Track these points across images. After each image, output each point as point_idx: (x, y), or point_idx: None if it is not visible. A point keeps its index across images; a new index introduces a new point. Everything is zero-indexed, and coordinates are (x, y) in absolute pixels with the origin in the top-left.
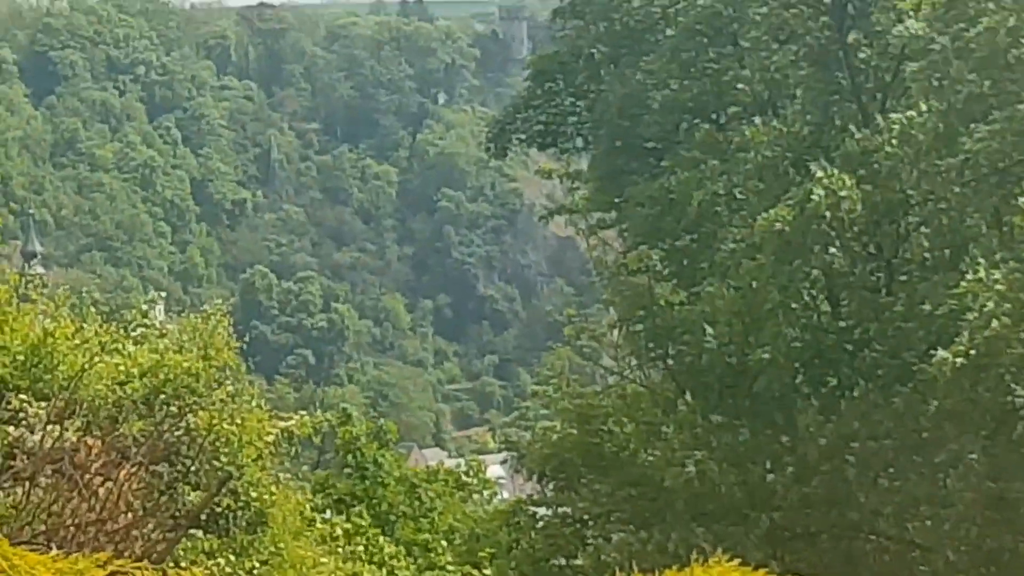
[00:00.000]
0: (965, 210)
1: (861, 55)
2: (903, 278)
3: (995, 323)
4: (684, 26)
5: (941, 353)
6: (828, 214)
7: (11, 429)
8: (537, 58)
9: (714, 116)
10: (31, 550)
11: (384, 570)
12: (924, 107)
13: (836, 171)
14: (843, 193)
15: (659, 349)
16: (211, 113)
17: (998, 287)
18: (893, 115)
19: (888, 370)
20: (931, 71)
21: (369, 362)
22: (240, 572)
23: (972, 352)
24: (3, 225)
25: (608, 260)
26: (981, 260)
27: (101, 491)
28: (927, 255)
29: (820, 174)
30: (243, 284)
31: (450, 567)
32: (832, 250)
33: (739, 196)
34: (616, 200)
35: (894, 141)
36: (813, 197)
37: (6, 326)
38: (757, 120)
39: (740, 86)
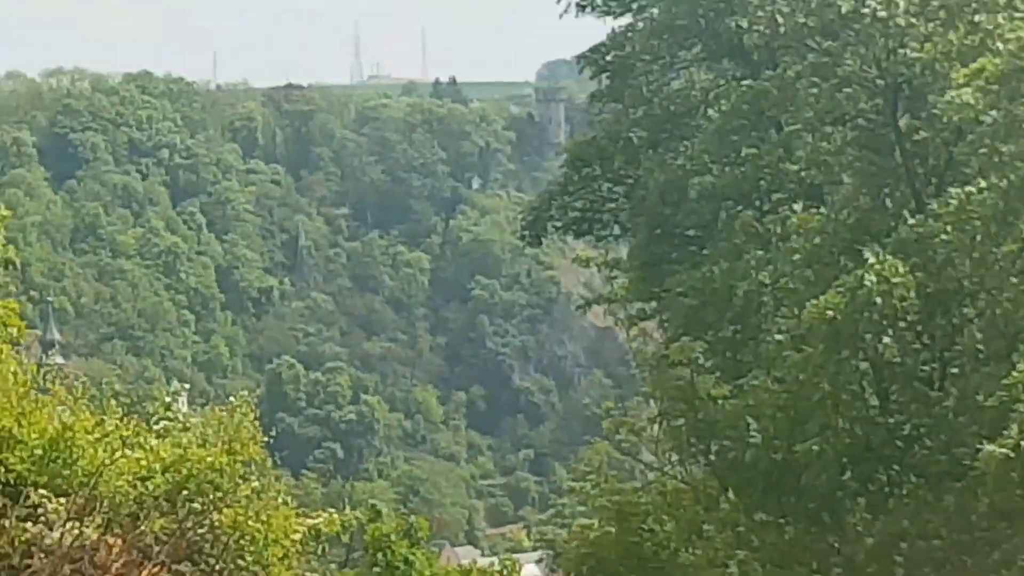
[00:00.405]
0: (1020, 300)
1: (915, 138)
2: (955, 370)
3: None
4: (727, 109)
5: (988, 447)
6: (880, 301)
7: (29, 526)
8: (574, 143)
9: (757, 203)
10: None
11: None
12: (983, 183)
13: (889, 257)
14: (896, 280)
15: (701, 444)
16: (237, 198)
17: None
18: (952, 189)
19: (939, 466)
20: (985, 145)
21: (399, 456)
22: None
23: (1022, 444)
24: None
25: (648, 352)
26: None
27: None
28: (980, 347)
29: (872, 260)
30: (269, 375)
31: None
32: (885, 340)
33: (786, 286)
34: (656, 290)
35: (949, 228)
36: (865, 283)
37: (24, 419)
38: (798, 206)
39: (785, 170)
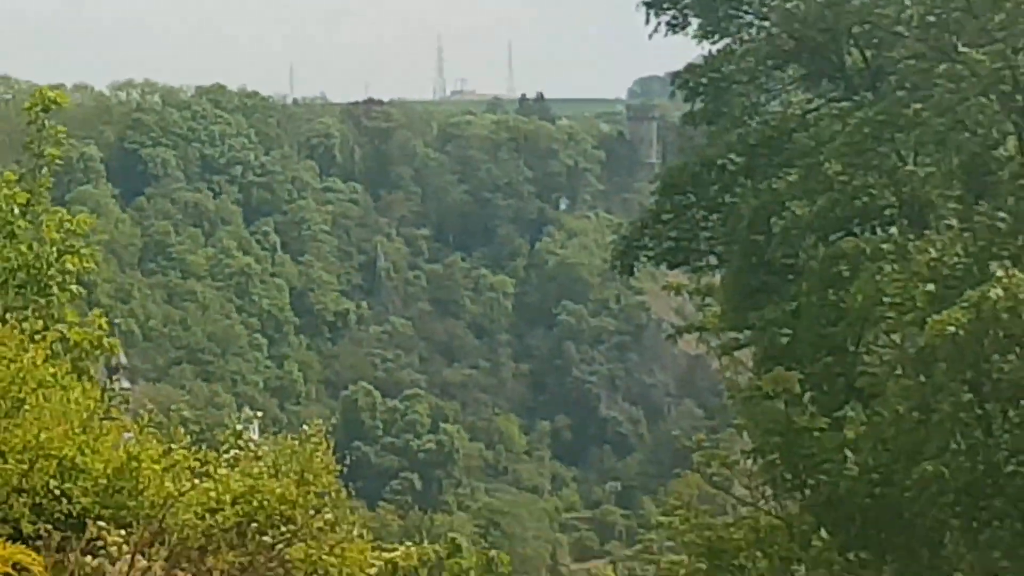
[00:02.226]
0: None
1: None
2: None
3: None
4: (849, 133)
5: None
6: (1006, 317)
7: (90, 559)
8: (667, 170)
9: (854, 230)
10: None
11: None
12: None
13: (1017, 272)
14: (1023, 294)
15: (795, 479)
16: (313, 217)
17: None
18: None
19: None
20: None
21: (480, 487)
22: None
23: None
24: (97, 343)
25: (741, 382)
26: None
27: None
28: None
29: (1000, 274)
30: (345, 402)
31: None
32: (1010, 358)
33: (906, 302)
34: (750, 318)
35: None
36: (990, 297)
37: (87, 448)
38: (893, 230)
39: (882, 195)
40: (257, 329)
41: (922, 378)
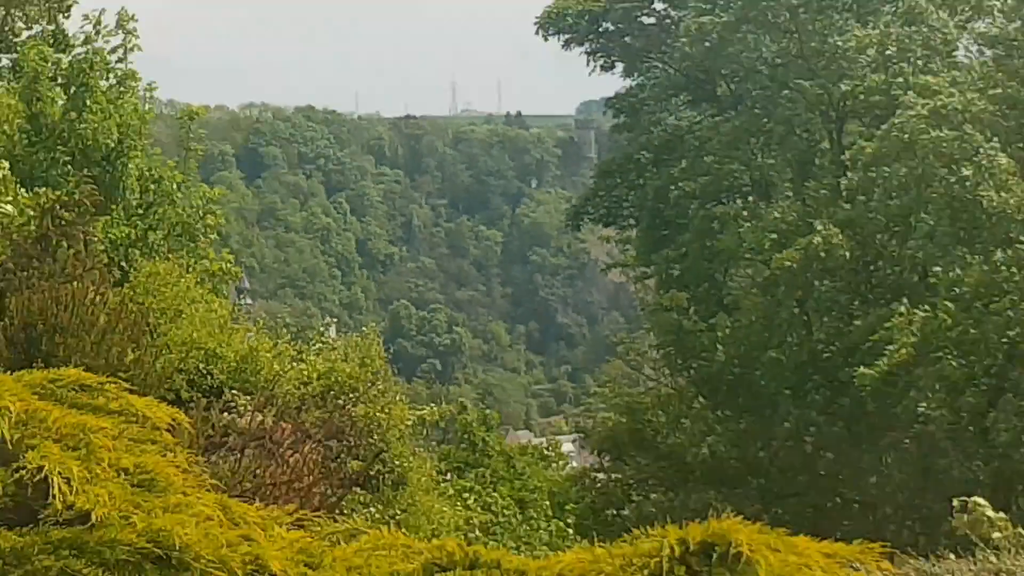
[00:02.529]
0: (910, 262)
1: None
2: (859, 314)
3: (904, 351)
4: (707, 142)
5: (864, 370)
6: (824, 255)
7: (226, 415)
8: (602, 163)
9: (725, 200)
10: (242, 502)
11: (491, 513)
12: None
13: (832, 227)
14: (835, 242)
15: (684, 363)
16: (370, 192)
17: (913, 327)
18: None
19: (844, 375)
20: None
21: (479, 369)
22: (387, 518)
23: (887, 371)
24: (229, 271)
25: (648, 300)
26: (904, 306)
27: (291, 460)
28: (884, 296)
29: (820, 228)
30: (391, 313)
31: (541, 520)
32: (826, 282)
33: (760, 246)
34: (654, 259)
35: (872, 213)
36: (814, 243)
37: (224, 342)
38: (749, 200)
39: (741, 179)
40: (334, 265)
41: (767, 297)
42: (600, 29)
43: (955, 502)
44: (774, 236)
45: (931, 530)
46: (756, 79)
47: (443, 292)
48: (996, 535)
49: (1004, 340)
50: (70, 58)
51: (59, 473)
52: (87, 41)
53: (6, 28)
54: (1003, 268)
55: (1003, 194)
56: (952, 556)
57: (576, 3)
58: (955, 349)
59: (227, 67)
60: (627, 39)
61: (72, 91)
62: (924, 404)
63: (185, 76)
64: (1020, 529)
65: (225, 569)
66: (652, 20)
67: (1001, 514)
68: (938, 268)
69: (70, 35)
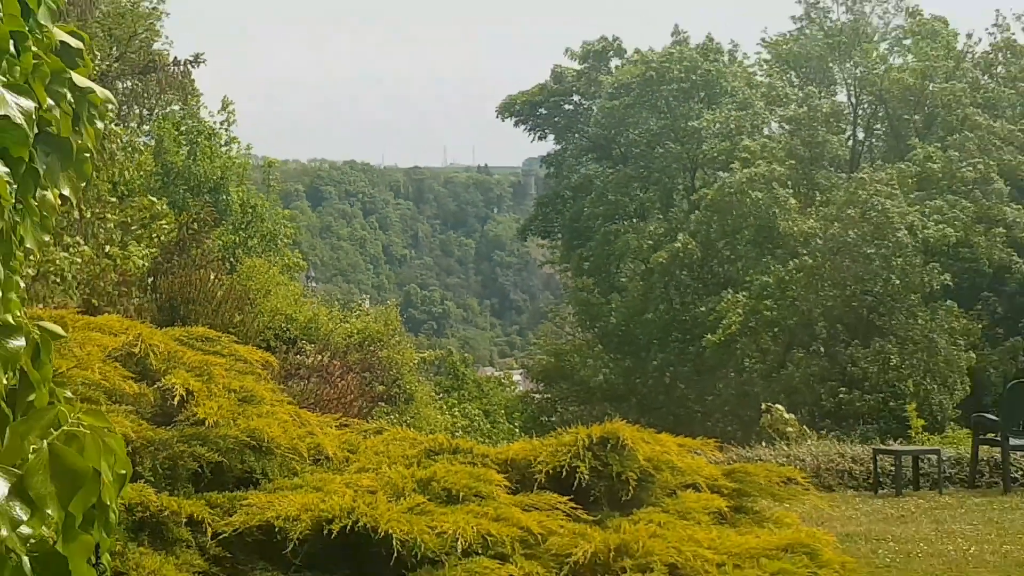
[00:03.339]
0: (733, 260)
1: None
2: (703, 296)
3: (733, 326)
4: (615, 180)
5: (708, 337)
6: (683, 255)
7: (298, 357)
8: (539, 197)
9: (619, 220)
10: (307, 412)
11: (467, 419)
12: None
13: (688, 236)
14: (690, 246)
15: (591, 323)
16: (391, 215)
17: (740, 304)
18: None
19: (700, 331)
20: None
21: (460, 328)
22: (400, 422)
23: (722, 339)
24: (300, 264)
25: (568, 285)
26: (730, 293)
27: (339, 385)
28: (718, 287)
29: (681, 237)
30: (404, 293)
31: (499, 424)
32: (684, 273)
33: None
34: (572, 257)
35: (715, 217)
36: (677, 245)
37: (297, 310)
38: (635, 220)
39: (627, 206)
40: (368, 262)
41: (645, 282)
42: (537, 113)
43: (763, 407)
44: (650, 243)
45: (747, 429)
46: (640, 143)
47: (438, 279)
48: (789, 430)
49: (794, 318)
50: (188, 124)
51: (188, 390)
52: (191, 116)
53: (147, 105)
54: (792, 271)
55: (791, 223)
56: (761, 444)
57: (521, 96)
58: (765, 325)
59: (299, 128)
60: (555, 119)
61: (189, 148)
62: (746, 360)
63: (275, 134)
64: (804, 428)
65: (296, 453)
66: (571, 107)
67: (792, 416)
68: (752, 270)
69: (193, 108)
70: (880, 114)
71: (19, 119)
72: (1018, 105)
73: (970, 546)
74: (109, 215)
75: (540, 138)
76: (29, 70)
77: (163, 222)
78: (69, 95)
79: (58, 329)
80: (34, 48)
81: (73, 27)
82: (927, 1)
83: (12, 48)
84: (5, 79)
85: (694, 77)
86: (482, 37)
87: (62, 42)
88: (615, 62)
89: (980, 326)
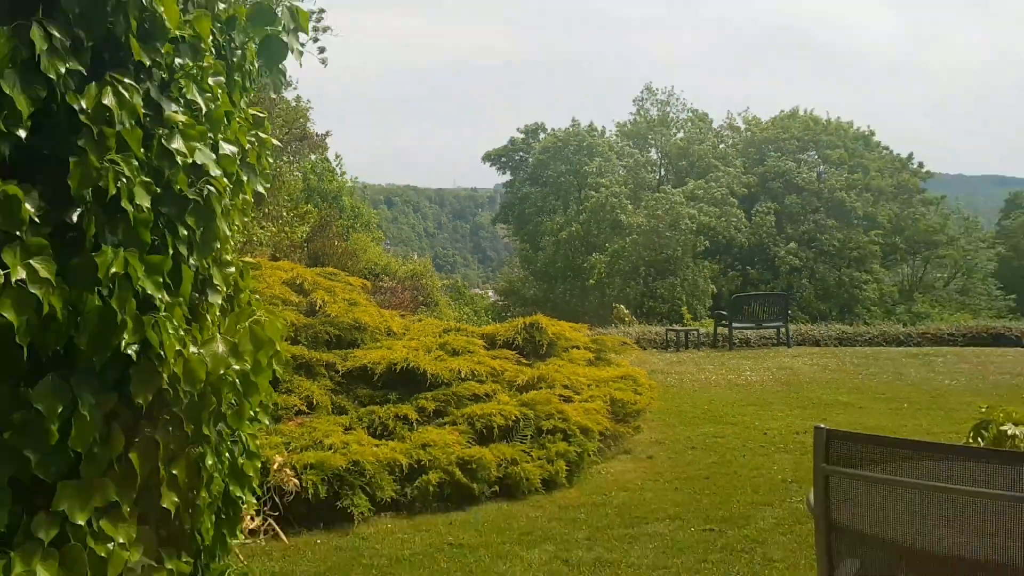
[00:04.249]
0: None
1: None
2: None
3: (601, 272)
4: (540, 196)
5: (590, 280)
6: (574, 230)
7: (380, 283)
8: (503, 203)
9: (541, 215)
10: (384, 310)
11: (465, 315)
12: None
13: (578, 224)
14: (574, 227)
15: (528, 268)
16: (427, 212)
17: (603, 261)
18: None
19: (579, 275)
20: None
21: (462, 269)
22: (431, 316)
23: (598, 280)
24: (381, 237)
25: (517, 247)
26: (597, 254)
27: (401, 296)
28: (591, 249)
29: (574, 225)
30: (434, 251)
31: (481, 317)
32: (576, 242)
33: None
34: (520, 232)
35: (591, 214)
36: (573, 227)
37: (379, 259)
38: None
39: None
40: (415, 236)
41: (555, 243)
42: (503, 159)
43: (613, 307)
44: (559, 222)
45: (604, 320)
46: (554, 176)
47: (452, 245)
48: (625, 319)
49: (628, 267)
50: (321, 165)
51: (323, 300)
52: (322, 161)
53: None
54: (629, 243)
55: (628, 217)
56: (612, 327)
57: (494, 151)
58: (616, 271)
59: (380, 161)
60: (512, 163)
61: (316, 175)
62: (607, 288)
63: (363, 165)
64: (633, 318)
65: (378, 330)
66: (520, 156)
67: (628, 312)
68: (607, 243)
69: (324, 157)
70: (668, 162)
71: (231, 154)
72: (738, 158)
73: (711, 376)
74: (284, 212)
75: (503, 172)
76: (236, 130)
77: (311, 215)
78: (256, 143)
79: (254, 262)
80: (238, 119)
81: (259, 108)
82: (693, 96)
83: (226, 120)
84: (223, 136)
85: (582, 144)
86: (471, 123)
87: (253, 115)
88: (542, 135)
89: (719, 268)
